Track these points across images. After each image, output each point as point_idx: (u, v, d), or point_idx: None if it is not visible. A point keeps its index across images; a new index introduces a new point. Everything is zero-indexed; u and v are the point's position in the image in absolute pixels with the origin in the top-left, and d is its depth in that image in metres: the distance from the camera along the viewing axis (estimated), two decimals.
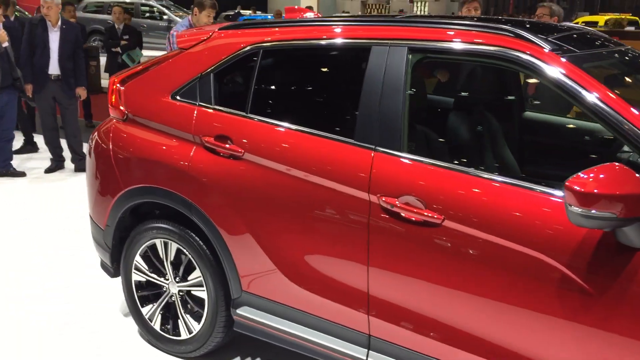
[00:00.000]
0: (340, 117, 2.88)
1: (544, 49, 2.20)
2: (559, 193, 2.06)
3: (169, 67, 3.10)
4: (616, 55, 2.54)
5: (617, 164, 1.85)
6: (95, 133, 3.36)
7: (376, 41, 2.52)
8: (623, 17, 33.99)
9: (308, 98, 3.19)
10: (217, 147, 2.80)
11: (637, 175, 1.82)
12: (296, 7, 3.53)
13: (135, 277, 3.23)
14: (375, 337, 2.49)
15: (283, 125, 2.69)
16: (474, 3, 4.75)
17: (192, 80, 2.97)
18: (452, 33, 2.40)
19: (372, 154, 2.42)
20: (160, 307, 3.19)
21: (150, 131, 3.05)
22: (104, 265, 3.44)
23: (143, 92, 3.14)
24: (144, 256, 3.17)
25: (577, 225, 1.88)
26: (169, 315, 3.19)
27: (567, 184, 1.84)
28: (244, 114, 2.80)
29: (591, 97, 2.06)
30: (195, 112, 2.91)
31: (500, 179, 2.20)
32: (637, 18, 31.21)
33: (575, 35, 2.53)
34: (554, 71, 2.14)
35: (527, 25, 2.44)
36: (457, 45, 2.37)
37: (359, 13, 36.36)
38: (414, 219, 2.28)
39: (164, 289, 3.16)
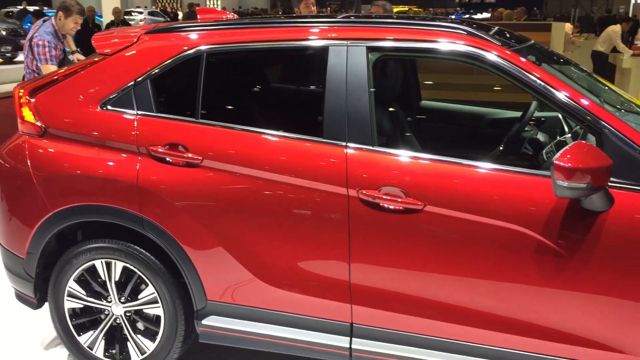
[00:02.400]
0: (304, 117, 2.92)
1: (498, 45, 2.49)
2: (529, 172, 2.37)
3: (92, 75, 2.87)
4: (535, 48, 2.93)
5: (584, 142, 2.20)
6: None
7: (334, 41, 2.61)
8: (407, 8, 37.42)
9: (266, 100, 3.18)
10: (169, 156, 2.68)
11: (602, 152, 2.18)
12: (208, 7, 3.45)
13: (69, 304, 2.96)
14: (358, 325, 2.61)
15: (245, 128, 2.66)
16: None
17: (124, 88, 2.79)
18: (409, 32, 2.59)
19: (345, 150, 2.52)
20: (103, 332, 2.97)
21: (79, 145, 2.81)
22: (21, 297, 3.09)
23: (63, 103, 2.87)
24: (80, 280, 2.92)
25: (560, 196, 2.19)
26: (114, 339, 2.98)
27: (554, 162, 2.13)
28: (194, 119, 2.72)
29: (540, 84, 2.39)
30: (136, 122, 2.75)
31: (476, 163, 2.44)
32: (422, 10, 34.51)
33: (507, 33, 2.87)
34: (512, 67, 2.43)
35: (473, 25, 2.72)
36: (415, 44, 2.57)
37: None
38: (395, 207, 2.44)
39: (106, 313, 2.95)
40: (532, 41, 2.99)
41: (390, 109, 3.33)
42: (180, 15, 26.56)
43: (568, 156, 2.12)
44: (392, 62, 3.51)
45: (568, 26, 16.04)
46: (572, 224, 2.28)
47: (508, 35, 2.81)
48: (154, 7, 36.03)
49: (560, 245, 2.29)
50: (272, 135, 2.64)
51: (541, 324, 2.39)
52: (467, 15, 39.65)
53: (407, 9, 36.80)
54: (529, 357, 2.43)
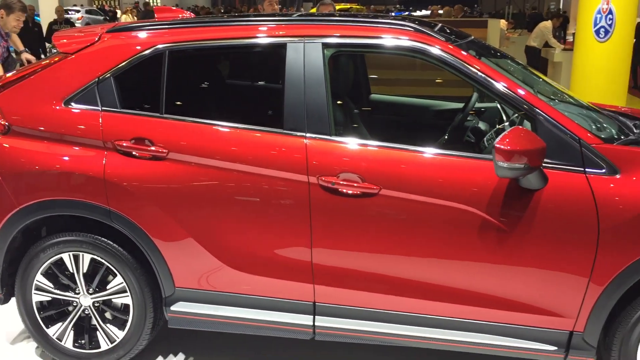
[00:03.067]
0: (265, 110, 3.07)
1: (441, 40, 2.71)
2: (473, 156, 2.60)
3: (55, 73, 2.94)
4: (475, 42, 3.17)
5: (521, 127, 2.44)
6: None
7: (291, 39, 2.78)
8: (349, 6, 37.81)
9: (228, 95, 3.30)
10: (135, 150, 2.79)
11: (536, 135, 2.44)
12: (166, 6, 3.57)
13: (37, 297, 3.02)
14: (320, 303, 2.80)
15: (209, 122, 2.80)
16: None
17: (88, 85, 2.88)
18: (362, 29, 2.79)
19: (305, 140, 2.70)
20: (72, 323, 3.05)
21: (44, 142, 2.88)
22: None
23: (27, 101, 2.93)
24: (47, 274, 2.99)
25: (501, 176, 2.44)
26: (83, 329, 3.07)
27: (496, 145, 2.37)
28: (158, 114, 2.84)
29: (481, 76, 2.63)
30: (101, 118, 2.84)
31: (426, 149, 2.65)
32: (364, 7, 34.96)
33: (449, 29, 3.10)
34: (455, 60, 2.66)
35: (417, 22, 2.93)
36: (367, 40, 2.77)
37: None
38: (353, 192, 2.63)
39: (74, 304, 3.03)
40: (472, 37, 3.24)
41: (344, 102, 3.52)
42: (119, 13, 26.02)
43: (507, 140, 2.36)
44: (344, 58, 3.70)
45: (503, 23, 16.70)
46: (511, 202, 2.52)
47: (450, 31, 3.05)
48: (91, 5, 35.14)
49: (502, 222, 2.53)
50: (234, 127, 2.78)
51: (489, 294, 2.63)
52: (406, 13, 40.39)
53: (348, 6, 37.26)
54: (479, 325, 2.67)
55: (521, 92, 2.61)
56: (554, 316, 2.59)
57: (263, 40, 2.87)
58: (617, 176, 2.47)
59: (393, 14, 27.60)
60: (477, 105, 3.78)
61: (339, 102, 3.41)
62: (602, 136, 2.63)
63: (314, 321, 2.81)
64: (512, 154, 2.35)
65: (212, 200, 2.76)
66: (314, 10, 6.73)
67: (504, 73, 2.73)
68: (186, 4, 39.53)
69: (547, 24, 12.20)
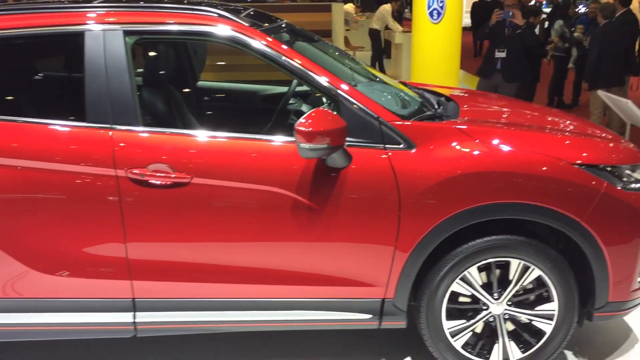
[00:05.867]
0: (67, 103, 2.90)
1: (243, 24, 2.72)
2: (280, 139, 2.65)
3: None
4: (283, 26, 3.21)
5: (321, 108, 2.52)
6: None
7: (90, 27, 2.65)
8: None
9: (26, 88, 3.06)
10: None
11: (336, 115, 2.53)
12: None
13: None
14: (140, 299, 2.73)
15: (5, 118, 2.60)
16: None
17: None
18: (164, 15, 2.72)
19: (111, 132, 2.59)
20: None
21: None
22: None
23: None
24: None
25: (305, 157, 2.50)
26: None
27: (296, 127, 2.42)
28: None
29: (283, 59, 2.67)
30: None
31: (237, 135, 2.66)
32: None
33: (252, 12, 3.11)
34: (258, 44, 2.68)
35: (223, 7, 2.91)
36: (171, 26, 2.71)
37: None
38: (164, 182, 2.58)
39: None
40: (285, 21, 3.28)
41: (163, 90, 3.43)
42: None
43: (307, 121, 2.43)
44: (162, 45, 3.60)
45: (350, 6, 17.19)
46: (319, 181, 2.60)
47: (258, 16, 3.07)
48: None
49: (312, 202, 2.60)
50: (34, 123, 2.61)
51: (305, 272, 2.70)
52: None
53: None
54: (300, 303, 2.74)
55: (322, 74, 2.68)
56: (366, 286, 2.72)
57: (59, 29, 2.70)
58: (413, 150, 2.64)
59: None
60: (304, 88, 3.85)
61: (154, 90, 3.31)
62: (402, 114, 2.79)
63: (134, 318, 2.73)
64: (313, 135, 2.41)
65: (13, 202, 2.58)
66: None
67: (307, 56, 2.79)
68: None
69: (387, 7, 12.72)
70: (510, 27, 6.68)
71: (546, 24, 12.10)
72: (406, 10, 16.71)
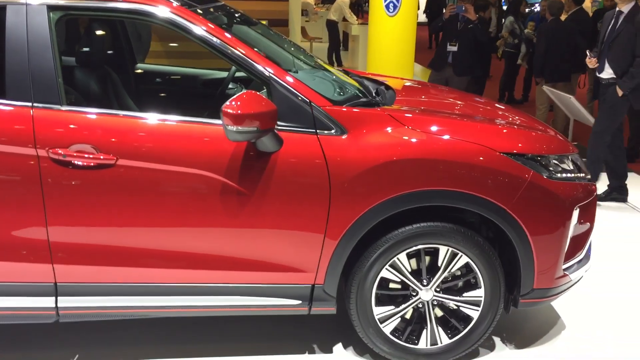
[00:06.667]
0: None
1: (173, 4, 2.66)
2: (212, 122, 2.59)
3: None
4: (217, 7, 3.15)
5: (251, 91, 2.48)
6: None
7: (12, 0, 2.55)
8: None
9: None
10: None
11: (266, 98, 2.49)
12: None
13: None
14: (62, 283, 2.64)
15: None
16: None
17: None
18: None
19: (32, 111, 2.50)
20: None
21: None
22: None
23: None
24: None
25: (233, 140, 2.46)
26: None
27: (223, 109, 2.38)
28: None
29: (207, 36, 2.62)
30: None
31: (166, 117, 2.59)
32: None
33: None
34: (185, 23, 2.62)
35: None
36: (97, 3, 2.62)
37: None
38: (87, 163, 2.50)
39: None
40: (221, 2, 3.23)
41: (96, 70, 3.33)
42: None
43: (236, 103, 2.39)
44: (98, 24, 3.50)
45: None
46: (250, 165, 2.57)
47: None
48: None
49: (242, 186, 2.57)
50: None
51: (235, 257, 2.66)
52: None
53: None
54: (228, 288, 2.71)
55: (254, 56, 2.64)
56: (296, 272, 2.71)
57: None
58: (345, 136, 2.62)
59: None
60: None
61: (88, 71, 3.21)
62: (335, 99, 2.77)
63: (56, 303, 2.65)
64: (241, 117, 2.37)
65: None
66: None
67: (241, 39, 2.74)
68: None
69: None
70: (463, 21, 6.76)
71: (503, 20, 12.31)
72: (365, 4, 16.78)
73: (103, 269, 2.63)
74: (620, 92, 4.99)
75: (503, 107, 3.55)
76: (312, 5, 17.00)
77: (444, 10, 6.83)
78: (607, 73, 5.14)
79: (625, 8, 5.03)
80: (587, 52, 5.44)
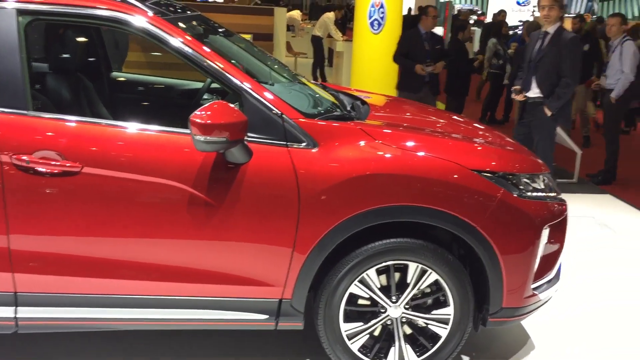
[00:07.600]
0: None
1: (148, 13, 2.63)
2: (182, 131, 2.56)
3: None
4: (194, 18, 3.13)
5: (221, 101, 2.45)
6: None
7: None
8: None
9: None
10: None
11: (236, 109, 2.46)
12: None
13: None
14: (22, 293, 2.58)
15: None
16: None
17: None
18: None
19: None
20: None
21: None
22: None
23: None
24: None
25: (201, 150, 2.42)
26: None
27: (191, 118, 2.34)
28: None
29: (182, 46, 2.59)
30: None
31: (136, 125, 2.56)
32: None
33: (170, 4, 3.02)
34: (159, 32, 2.59)
35: None
36: (69, 8, 2.58)
37: None
38: (51, 170, 2.45)
39: None
40: (198, 12, 3.21)
41: (68, 77, 3.29)
42: None
43: (205, 113, 2.36)
44: (72, 30, 3.46)
45: (297, 13, 17.22)
46: (218, 177, 2.53)
47: (166, 4, 2.98)
48: None
49: (210, 197, 2.53)
50: None
51: (200, 269, 2.61)
52: None
53: None
54: (193, 301, 2.65)
55: (227, 69, 2.61)
56: (263, 286, 2.66)
57: None
58: (316, 149, 2.60)
59: None
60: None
61: (59, 77, 3.16)
62: (307, 112, 2.75)
63: (15, 313, 2.58)
64: (210, 127, 2.34)
65: None
66: None
67: (216, 50, 2.72)
68: None
69: (330, 15, 12.81)
70: (438, 44, 6.78)
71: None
72: (350, 21, 16.92)
73: (66, 279, 2.57)
74: (548, 112, 5.08)
75: (478, 126, 3.56)
76: (298, 21, 17.07)
77: (416, 67, 6.70)
78: (534, 92, 5.24)
79: (551, 29, 5.13)
80: (512, 88, 5.55)
